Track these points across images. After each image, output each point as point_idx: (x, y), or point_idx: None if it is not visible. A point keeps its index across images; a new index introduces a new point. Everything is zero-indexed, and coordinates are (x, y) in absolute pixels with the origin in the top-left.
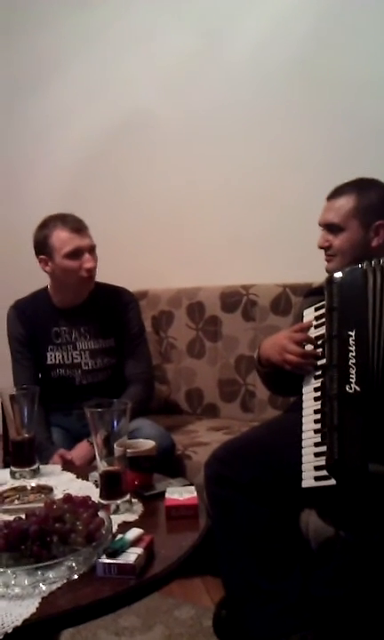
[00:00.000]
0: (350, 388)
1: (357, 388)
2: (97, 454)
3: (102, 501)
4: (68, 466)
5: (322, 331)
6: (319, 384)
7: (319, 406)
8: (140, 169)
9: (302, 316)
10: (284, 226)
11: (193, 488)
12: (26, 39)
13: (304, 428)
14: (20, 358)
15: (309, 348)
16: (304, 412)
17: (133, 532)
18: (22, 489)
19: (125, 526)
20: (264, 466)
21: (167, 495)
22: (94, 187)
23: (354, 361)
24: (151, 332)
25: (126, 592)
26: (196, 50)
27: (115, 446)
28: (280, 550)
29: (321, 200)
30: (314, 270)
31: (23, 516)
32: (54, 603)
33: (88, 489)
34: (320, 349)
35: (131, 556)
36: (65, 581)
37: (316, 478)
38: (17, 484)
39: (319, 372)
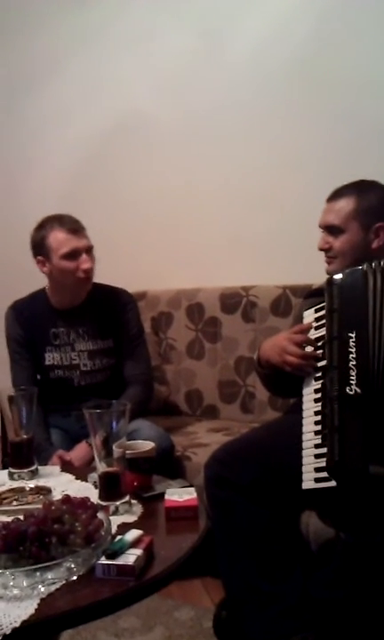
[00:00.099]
0: (351, 390)
1: (358, 390)
2: (96, 455)
3: (101, 502)
4: (66, 467)
5: (322, 332)
6: (319, 385)
7: (319, 408)
8: (138, 169)
9: (302, 318)
10: (283, 227)
11: (192, 489)
12: (22, 39)
13: (304, 429)
14: (19, 359)
15: (309, 349)
16: (304, 414)
17: (133, 534)
18: (21, 490)
19: (125, 527)
20: (264, 467)
21: (167, 496)
22: (92, 187)
23: (354, 362)
24: (150, 333)
25: (125, 593)
26: (195, 50)
27: (114, 447)
28: (280, 552)
29: (321, 201)
30: (314, 272)
31: (21, 518)
32: (53, 604)
33: (87, 490)
34: (320, 351)
35: (130, 557)
36: (64, 582)
37: (317, 480)
38: (15, 485)
39: (319, 374)
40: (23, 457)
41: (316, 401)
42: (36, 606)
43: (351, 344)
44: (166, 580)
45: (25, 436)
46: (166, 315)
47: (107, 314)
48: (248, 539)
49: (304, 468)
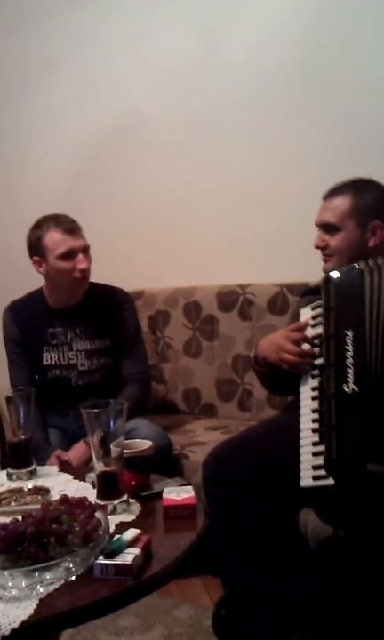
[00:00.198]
0: (348, 388)
1: (355, 388)
2: (93, 455)
3: (99, 502)
4: (64, 467)
5: (319, 330)
6: (317, 383)
7: (317, 406)
8: (134, 169)
9: (299, 316)
10: (280, 225)
11: (190, 488)
12: (18, 39)
13: (302, 427)
14: (16, 359)
15: (306, 347)
16: (302, 412)
17: (131, 533)
18: (19, 490)
19: (123, 527)
20: (262, 465)
21: (165, 495)
22: (89, 187)
23: (351, 360)
24: (148, 332)
25: (124, 592)
26: (191, 50)
27: (111, 447)
28: (279, 550)
29: (318, 199)
30: (311, 270)
31: (20, 518)
32: (52, 604)
33: (85, 490)
34: (317, 349)
35: (128, 556)
36: (62, 582)
37: (315, 478)
38: (14, 485)
39: (316, 372)
40: (21, 457)
41: (313, 399)
42: (34, 607)
43: (348, 342)
44: (165, 579)
45: (23, 437)
46: (163, 313)
47: (104, 313)
48: (246, 537)
49: (302, 466)
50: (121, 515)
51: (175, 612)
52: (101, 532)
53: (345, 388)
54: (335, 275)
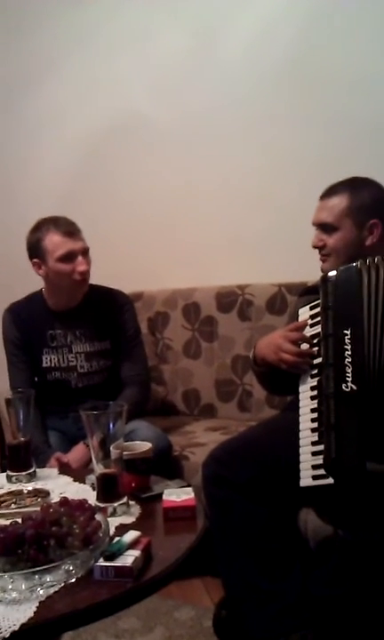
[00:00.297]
0: (347, 387)
1: (354, 387)
2: (93, 457)
3: (99, 504)
4: (64, 469)
5: (317, 329)
6: (315, 383)
7: (316, 405)
8: (133, 169)
9: (297, 315)
10: (279, 225)
11: (190, 489)
12: (18, 39)
13: (301, 426)
14: (16, 361)
15: (305, 346)
16: (301, 411)
17: (131, 535)
18: (19, 493)
19: (123, 529)
20: (262, 465)
21: (164, 497)
22: (88, 187)
23: (350, 359)
24: (147, 334)
25: (124, 595)
26: (190, 49)
27: (111, 449)
28: (279, 550)
29: (315, 199)
30: (309, 269)
31: (19, 520)
32: (52, 607)
33: (85, 492)
34: (316, 348)
35: (128, 558)
36: (62, 585)
37: (314, 477)
38: (13, 487)
39: (315, 371)
40: (21, 459)
41: (312, 398)
42: (34, 609)
43: (346, 341)
44: (165, 581)
45: (22, 439)
46: (162, 315)
47: (104, 315)
48: (246, 537)
49: (302, 466)
50: (121, 517)
51: (176, 613)
52: (101, 535)
53: (344, 388)
54: (333, 274)
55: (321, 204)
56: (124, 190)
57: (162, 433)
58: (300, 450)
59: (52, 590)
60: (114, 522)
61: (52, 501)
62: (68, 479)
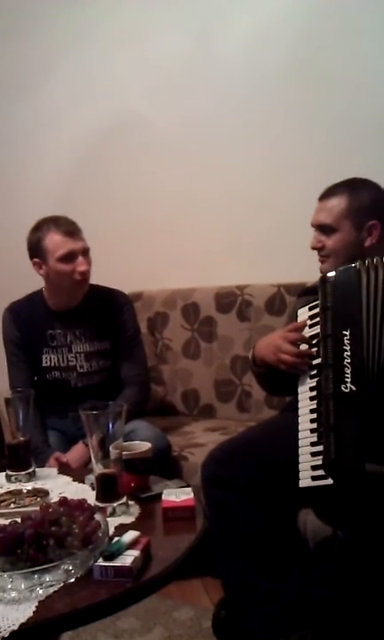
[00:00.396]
0: (346, 388)
1: (353, 388)
2: (92, 457)
3: (98, 504)
4: (64, 469)
5: (316, 330)
6: (314, 383)
7: (315, 406)
8: (133, 170)
9: (296, 316)
10: (278, 226)
11: (189, 489)
12: (15, 40)
13: (300, 427)
14: (16, 361)
15: (304, 347)
16: (300, 412)
17: (130, 535)
18: (18, 492)
19: (122, 529)
20: (261, 466)
21: (164, 497)
22: (87, 188)
23: (349, 360)
24: (146, 334)
25: (123, 595)
26: (188, 49)
27: (110, 449)
28: (278, 550)
29: (315, 200)
30: (308, 270)
31: (19, 520)
32: (51, 606)
33: (84, 492)
34: (315, 349)
35: (127, 558)
36: (62, 585)
37: (314, 478)
38: (13, 487)
39: (314, 372)
40: (20, 459)
41: (311, 399)
42: (34, 609)
43: (345, 342)
44: (164, 581)
45: (22, 439)
46: (162, 315)
47: (104, 315)
48: (245, 537)
49: (301, 466)
50: (120, 517)
51: (175, 613)
52: (101, 535)
53: (343, 388)
54: (332, 274)
55: (320, 206)
56: (122, 191)
57: (161, 433)
58: (300, 450)
59: (51, 590)
60: (113, 522)
61: (52, 501)
62: (67, 479)
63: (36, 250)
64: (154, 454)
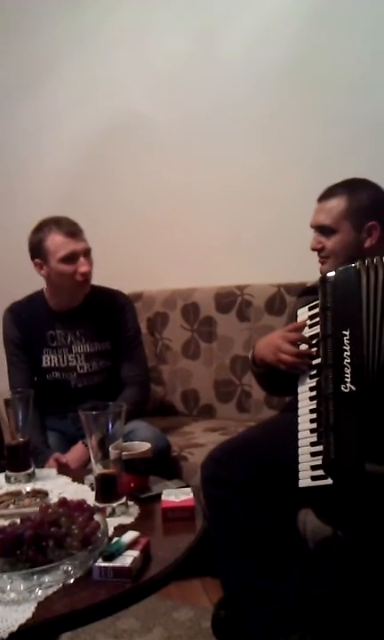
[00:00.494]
0: (346, 388)
1: (353, 388)
2: (92, 457)
3: (98, 504)
4: (63, 469)
5: (316, 330)
6: (314, 383)
7: (315, 406)
8: (133, 169)
9: (296, 316)
10: (278, 225)
11: (189, 490)
12: (18, 39)
13: (300, 427)
14: (16, 361)
15: (304, 347)
16: (300, 412)
17: (129, 535)
18: (17, 493)
19: (121, 529)
20: (260, 466)
21: (163, 497)
22: (88, 188)
23: (349, 360)
24: (146, 334)
25: (123, 595)
26: (189, 49)
27: (110, 449)
28: (277, 550)
29: (315, 200)
30: (308, 270)
31: (18, 521)
32: (50, 607)
33: (83, 492)
34: (315, 349)
35: (127, 558)
36: (61, 585)
37: (313, 478)
38: (12, 488)
39: (314, 372)
40: (20, 460)
41: (311, 399)
42: (33, 610)
43: (345, 342)
44: (163, 581)
45: (21, 439)
46: (162, 315)
47: (104, 316)
48: (245, 538)
49: (300, 466)
50: (119, 517)
51: (175, 614)
52: (100, 535)
53: (343, 388)
54: (331, 274)
55: (319, 207)
56: (123, 190)
57: (161, 433)
58: (299, 450)
59: (50, 591)
60: (112, 522)
61: (51, 502)
62: (66, 479)
63: (37, 250)
64: (153, 454)
